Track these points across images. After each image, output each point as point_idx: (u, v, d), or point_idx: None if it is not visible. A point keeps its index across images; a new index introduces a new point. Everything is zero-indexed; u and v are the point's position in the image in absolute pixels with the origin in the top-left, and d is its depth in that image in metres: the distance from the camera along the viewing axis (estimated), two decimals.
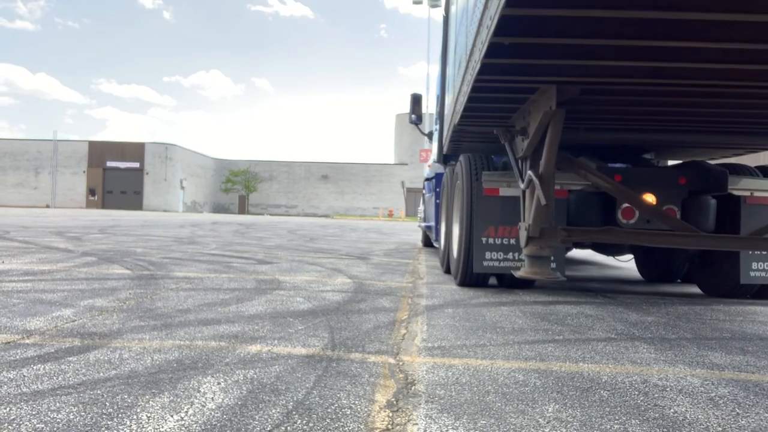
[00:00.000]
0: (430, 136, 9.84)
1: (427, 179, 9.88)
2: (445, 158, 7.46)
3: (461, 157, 5.27)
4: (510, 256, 4.77)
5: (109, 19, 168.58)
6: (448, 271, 6.02)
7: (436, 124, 8.30)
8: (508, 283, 5.10)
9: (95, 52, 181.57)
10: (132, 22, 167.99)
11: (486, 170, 4.93)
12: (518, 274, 4.25)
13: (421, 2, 40.52)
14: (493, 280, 5.24)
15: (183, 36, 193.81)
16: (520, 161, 4.38)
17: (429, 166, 10.08)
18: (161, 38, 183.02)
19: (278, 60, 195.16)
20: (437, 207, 7.64)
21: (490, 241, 4.78)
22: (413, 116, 9.16)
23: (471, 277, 4.95)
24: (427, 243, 10.49)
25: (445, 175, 6.75)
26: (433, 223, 8.34)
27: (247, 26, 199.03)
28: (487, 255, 4.78)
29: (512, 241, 4.75)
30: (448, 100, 5.96)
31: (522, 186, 4.23)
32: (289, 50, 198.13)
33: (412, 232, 18.17)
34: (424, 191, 10.65)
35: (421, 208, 11.18)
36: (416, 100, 9.23)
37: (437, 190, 7.90)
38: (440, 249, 6.84)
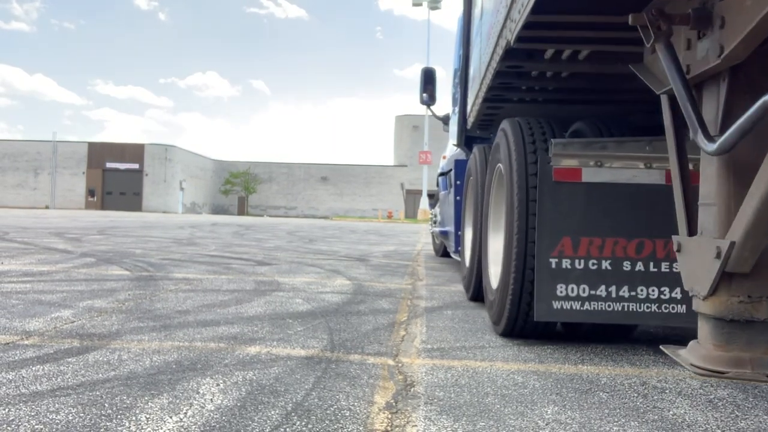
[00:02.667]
0: (445, 120, 8.20)
1: (442, 174, 7.91)
2: (468, 141, 5.45)
3: (506, 124, 3.30)
4: (602, 291, 2.72)
5: (104, 21, 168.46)
6: (477, 298, 4.32)
7: (454, 106, 6.49)
8: (585, 332, 3.15)
9: (91, 53, 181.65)
10: (127, 23, 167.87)
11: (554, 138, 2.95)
12: (698, 367, 1.75)
13: (420, 4, 40.69)
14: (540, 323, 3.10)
15: (178, 37, 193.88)
16: (694, 87, 1.92)
17: (444, 157, 8.14)
18: (157, 40, 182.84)
19: (275, 62, 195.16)
20: (458, 206, 5.72)
21: (565, 263, 2.74)
22: (425, 96, 7.67)
23: (527, 326, 3.01)
24: (444, 253, 8.46)
25: (471, 160, 4.79)
26: (450, 228, 6.35)
27: (242, 28, 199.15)
28: (560, 289, 2.74)
29: (606, 264, 2.72)
30: (488, 18, 3.61)
31: (708, 147, 1.74)
32: (285, 52, 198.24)
33: (411, 233, 18.17)
34: (438, 189, 8.66)
35: (434, 210, 9.16)
36: (428, 76, 7.67)
37: (457, 183, 5.83)
38: (463, 266, 5.05)
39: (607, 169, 2.76)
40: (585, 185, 2.77)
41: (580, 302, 2.75)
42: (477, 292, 4.28)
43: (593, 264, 2.75)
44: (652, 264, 2.70)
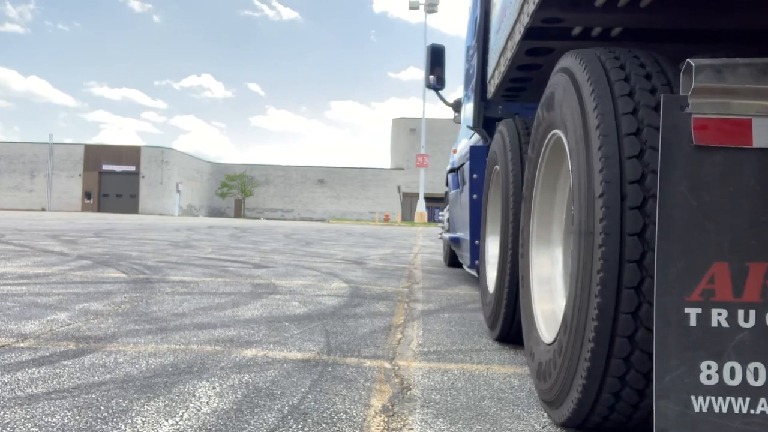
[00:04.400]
0: (456, 107, 6.92)
1: (453, 170, 6.55)
2: (486, 124, 4.29)
3: (570, 59, 1.87)
4: None
5: (98, 23, 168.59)
6: (507, 339, 3.02)
7: (467, 89, 5.44)
8: None
9: (86, 56, 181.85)
10: (121, 25, 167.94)
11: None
12: None
13: (417, 8, 40.79)
14: None
15: (173, 40, 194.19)
16: None
17: (454, 151, 6.85)
18: (151, 42, 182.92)
19: (269, 64, 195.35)
20: (475, 207, 4.35)
21: (718, 317, 1.28)
22: (431, 78, 6.32)
23: (616, 420, 1.60)
24: (453, 261, 7.46)
25: (496, 141, 3.41)
26: (464, 235, 5.17)
27: (236, 31, 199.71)
28: (708, 370, 1.28)
29: None
30: None
31: None
32: (279, 55, 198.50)
33: (408, 236, 18.18)
34: (447, 188, 7.45)
35: (443, 213, 8.10)
36: (436, 55, 6.28)
37: (474, 177, 4.43)
38: (485, 290, 3.57)
39: None
40: (759, 154, 1.33)
41: (748, 399, 1.29)
42: (508, 332, 2.96)
43: None
44: None
